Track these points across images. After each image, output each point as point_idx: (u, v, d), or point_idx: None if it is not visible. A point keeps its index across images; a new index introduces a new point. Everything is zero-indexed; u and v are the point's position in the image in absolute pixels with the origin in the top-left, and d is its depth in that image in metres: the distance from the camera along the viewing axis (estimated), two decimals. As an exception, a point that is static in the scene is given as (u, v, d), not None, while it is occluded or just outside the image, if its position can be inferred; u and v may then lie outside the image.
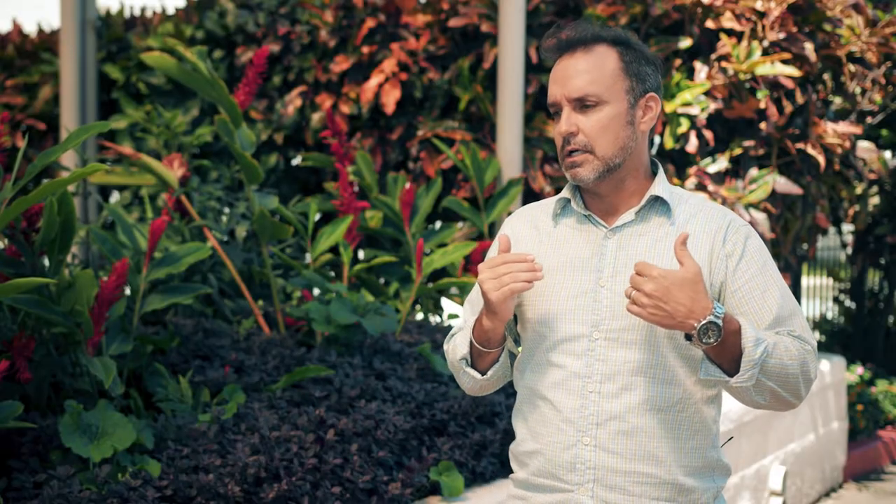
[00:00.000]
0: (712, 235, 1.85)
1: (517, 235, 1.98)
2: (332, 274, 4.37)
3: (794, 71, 4.54)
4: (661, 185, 1.90)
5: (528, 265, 1.78)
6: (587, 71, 1.84)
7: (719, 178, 4.69)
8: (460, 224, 4.83)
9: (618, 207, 1.90)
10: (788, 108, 4.72)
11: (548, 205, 1.99)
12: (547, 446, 1.86)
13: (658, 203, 1.89)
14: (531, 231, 1.97)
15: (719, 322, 1.67)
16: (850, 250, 7.26)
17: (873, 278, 7.31)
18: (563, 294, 1.87)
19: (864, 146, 5.10)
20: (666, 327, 1.70)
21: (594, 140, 1.84)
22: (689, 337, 1.71)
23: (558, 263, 1.90)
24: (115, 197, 6.11)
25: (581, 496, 1.83)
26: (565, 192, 1.95)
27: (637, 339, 1.81)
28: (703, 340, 1.68)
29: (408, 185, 4.41)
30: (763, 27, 4.64)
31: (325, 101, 5.36)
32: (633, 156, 1.89)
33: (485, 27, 4.80)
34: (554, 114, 1.89)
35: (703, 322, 1.67)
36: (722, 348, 1.71)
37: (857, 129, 4.87)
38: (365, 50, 5.28)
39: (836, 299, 7.54)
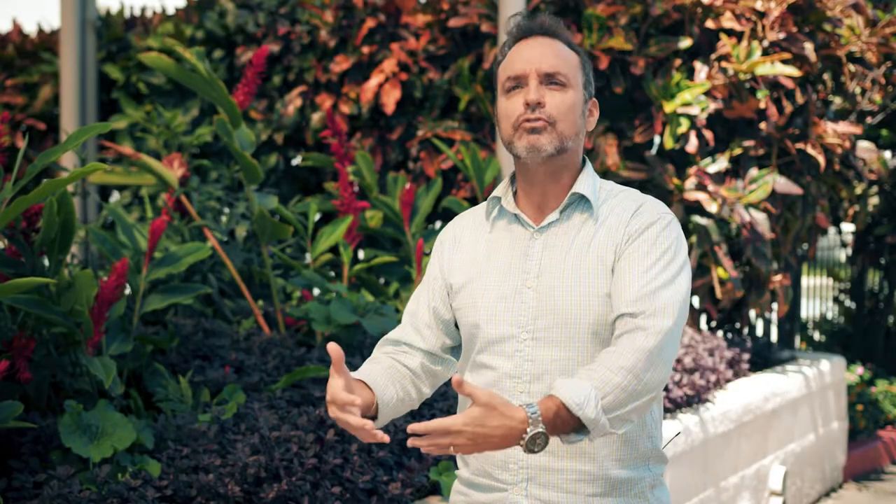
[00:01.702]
0: (626, 222, 1.85)
1: (457, 239, 2.01)
2: (332, 274, 4.37)
3: (794, 71, 4.54)
4: (584, 182, 1.90)
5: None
6: (558, 54, 1.88)
7: (719, 178, 4.69)
8: (460, 224, 4.83)
9: (548, 202, 1.91)
10: (788, 108, 4.72)
11: (482, 207, 2.01)
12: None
13: (582, 200, 1.90)
14: (470, 234, 1.99)
15: (541, 428, 1.62)
16: (850, 250, 7.26)
17: (873, 278, 7.31)
18: (493, 296, 1.89)
19: (864, 146, 5.10)
20: (495, 449, 1.66)
21: (559, 115, 1.85)
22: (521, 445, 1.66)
23: (490, 265, 1.92)
24: (114, 197, 6.11)
25: (515, 495, 1.85)
26: (498, 191, 1.97)
27: (562, 336, 1.82)
28: (535, 450, 1.64)
29: (408, 185, 4.41)
30: (763, 27, 4.64)
31: (325, 101, 5.37)
32: (576, 149, 1.91)
33: (485, 27, 4.80)
34: (511, 89, 1.88)
35: (527, 437, 1.62)
36: (561, 426, 1.65)
37: (857, 129, 4.87)
38: (365, 50, 5.28)
39: (836, 299, 7.54)
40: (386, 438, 1.70)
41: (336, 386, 1.72)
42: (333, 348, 1.72)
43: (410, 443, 1.63)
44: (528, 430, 1.62)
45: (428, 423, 1.62)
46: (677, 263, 1.82)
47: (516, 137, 1.86)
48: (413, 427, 1.62)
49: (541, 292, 1.84)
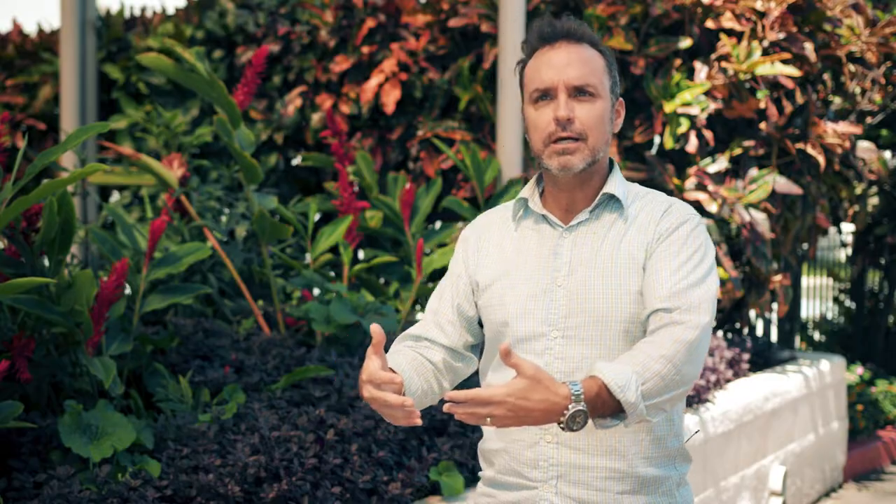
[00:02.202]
0: (656, 221, 1.87)
1: (482, 237, 2.01)
2: (332, 274, 4.37)
3: (794, 71, 4.54)
4: (614, 183, 1.91)
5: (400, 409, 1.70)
6: (585, 62, 1.87)
7: (719, 178, 4.69)
8: (460, 224, 4.83)
9: (576, 205, 1.92)
10: (788, 108, 4.72)
11: (508, 207, 2.02)
12: (511, 444, 1.89)
13: (612, 200, 1.91)
14: (496, 233, 2.00)
15: (582, 406, 1.62)
16: (850, 250, 7.26)
17: (873, 278, 7.31)
18: (522, 294, 1.89)
19: (864, 146, 5.10)
20: (533, 425, 1.66)
21: (589, 129, 1.85)
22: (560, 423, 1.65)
23: (517, 264, 1.92)
24: (115, 197, 6.11)
25: (545, 493, 1.86)
26: (524, 192, 1.98)
27: (593, 335, 1.83)
28: (574, 428, 1.64)
29: (408, 185, 4.41)
30: (763, 27, 4.64)
31: (325, 101, 5.36)
32: (605, 155, 1.92)
33: (485, 27, 4.80)
34: (538, 98, 1.88)
35: (568, 413, 1.62)
36: (600, 407, 1.66)
37: (857, 129, 4.87)
38: (365, 50, 5.28)
39: (836, 299, 7.54)
40: (420, 421, 1.70)
41: (374, 366, 1.72)
42: (376, 329, 1.73)
43: (447, 408, 1.62)
44: (570, 406, 1.62)
45: (468, 390, 1.61)
46: (707, 263, 1.84)
47: (546, 155, 1.87)
48: (452, 395, 1.61)
49: (571, 290, 1.85)
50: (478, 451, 2.02)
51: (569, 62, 1.86)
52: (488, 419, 1.62)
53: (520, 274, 1.91)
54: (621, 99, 1.96)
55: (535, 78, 1.88)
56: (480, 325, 2.01)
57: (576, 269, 1.86)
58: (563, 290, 1.86)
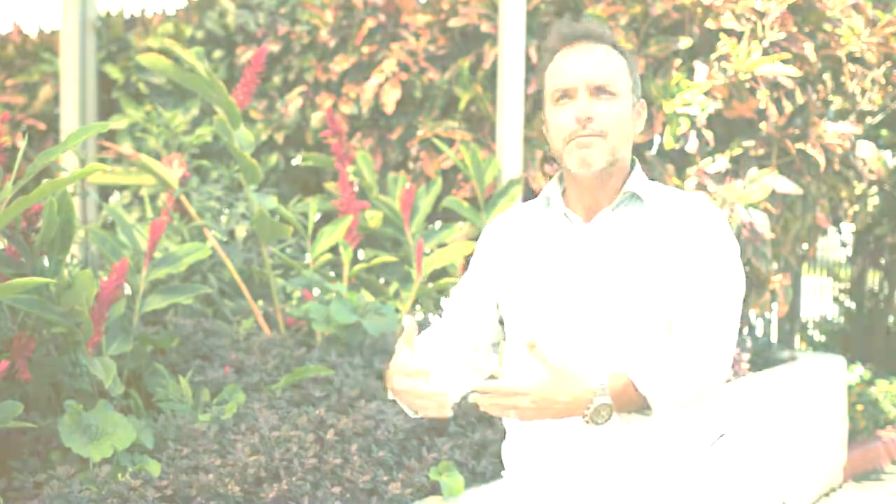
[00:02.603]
0: (679, 220, 1.87)
1: (503, 235, 2.01)
2: (332, 274, 4.37)
3: (794, 71, 4.54)
4: (636, 181, 1.91)
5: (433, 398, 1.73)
6: (605, 62, 1.87)
7: (719, 178, 4.69)
8: (460, 224, 4.83)
9: (599, 204, 1.91)
10: (788, 108, 4.72)
11: (529, 206, 2.02)
12: (535, 441, 1.89)
13: (634, 198, 1.91)
14: (517, 231, 2.00)
15: (607, 400, 1.65)
16: (850, 250, 7.26)
17: (873, 278, 7.31)
18: (544, 293, 1.89)
19: (864, 146, 5.10)
20: (557, 417, 1.68)
21: (610, 128, 1.85)
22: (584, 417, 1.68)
23: (540, 262, 1.92)
24: (115, 197, 6.11)
25: (570, 489, 1.86)
26: (546, 190, 1.98)
27: (616, 332, 1.83)
28: (599, 422, 1.65)
29: (408, 185, 4.41)
30: (763, 27, 4.64)
31: (325, 100, 5.36)
32: (626, 155, 1.92)
33: (485, 27, 4.80)
34: (558, 98, 1.88)
35: (593, 406, 1.64)
36: (626, 402, 1.68)
37: (857, 129, 4.87)
38: (365, 50, 5.28)
39: (836, 299, 7.54)
40: (450, 412, 1.72)
41: (406, 356, 1.74)
42: (409, 321, 1.75)
43: (472, 399, 1.63)
44: (595, 399, 1.63)
45: (493, 381, 1.63)
46: (735, 263, 1.84)
47: (566, 153, 1.86)
48: (476, 386, 1.63)
49: (594, 288, 1.85)
50: (501, 450, 2.02)
51: (588, 62, 1.86)
52: (512, 411, 1.63)
53: (542, 271, 1.91)
54: (643, 100, 1.95)
55: (556, 78, 1.89)
56: (502, 322, 2.02)
57: (598, 266, 1.86)
58: (585, 287, 1.86)
